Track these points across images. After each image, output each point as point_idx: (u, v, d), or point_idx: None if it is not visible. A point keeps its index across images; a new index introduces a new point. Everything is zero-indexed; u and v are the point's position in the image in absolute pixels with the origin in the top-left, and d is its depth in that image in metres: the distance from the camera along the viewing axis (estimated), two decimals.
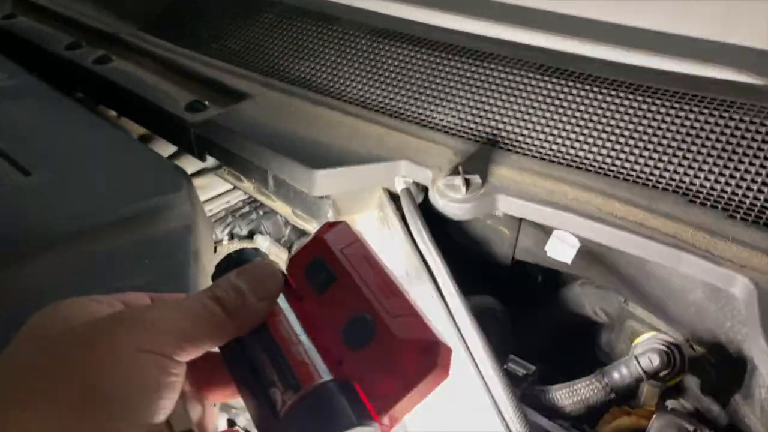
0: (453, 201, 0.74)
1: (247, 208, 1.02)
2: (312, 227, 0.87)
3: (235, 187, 1.00)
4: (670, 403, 0.74)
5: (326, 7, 1.05)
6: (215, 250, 0.94)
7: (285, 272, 0.42)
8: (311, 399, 0.35)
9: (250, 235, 0.98)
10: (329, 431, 0.34)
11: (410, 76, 0.91)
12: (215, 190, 1.03)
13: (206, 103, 0.93)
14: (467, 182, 0.74)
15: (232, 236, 0.98)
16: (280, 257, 0.97)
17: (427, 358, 0.35)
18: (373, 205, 0.83)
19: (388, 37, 0.97)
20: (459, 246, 0.92)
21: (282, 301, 0.39)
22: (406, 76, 0.91)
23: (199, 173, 1.05)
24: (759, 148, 0.72)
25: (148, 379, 0.32)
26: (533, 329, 1.04)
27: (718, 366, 0.68)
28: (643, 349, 0.64)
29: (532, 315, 1.03)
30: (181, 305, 0.36)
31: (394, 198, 0.82)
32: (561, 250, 0.83)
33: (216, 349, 0.39)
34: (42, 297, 0.65)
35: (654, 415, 0.63)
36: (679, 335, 0.74)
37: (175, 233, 0.76)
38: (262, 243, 0.96)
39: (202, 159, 0.93)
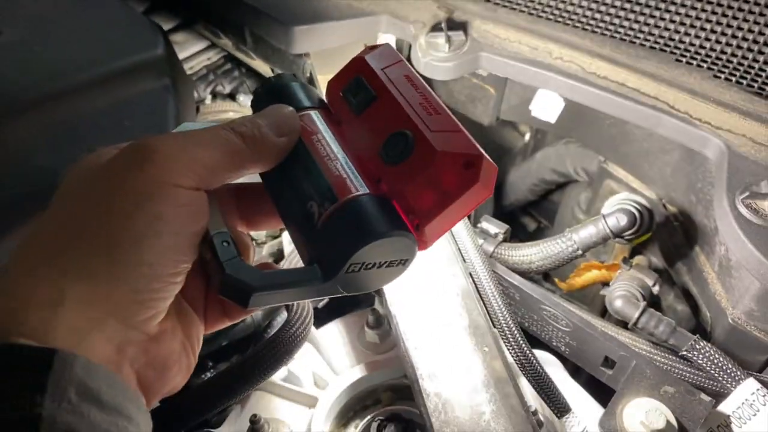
0: (435, 60, 0.72)
1: (228, 65, 0.99)
2: None
3: (213, 44, 0.97)
4: (636, 259, 0.78)
5: None
6: (197, 110, 0.93)
7: (323, 97, 0.41)
8: (347, 210, 0.35)
9: (232, 96, 0.97)
10: (364, 239, 0.34)
11: None
12: (195, 47, 0.99)
13: None
14: (449, 39, 0.72)
15: (214, 95, 0.97)
16: None
17: (468, 171, 0.34)
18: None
19: None
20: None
21: (320, 121, 0.39)
22: None
23: (176, 29, 1.01)
24: (750, 11, 0.69)
25: (170, 211, 0.32)
26: (515, 185, 1.06)
27: (685, 225, 0.71)
28: (613, 209, 0.66)
29: (516, 170, 1.05)
30: (199, 137, 0.35)
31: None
32: (545, 109, 0.82)
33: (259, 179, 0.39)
34: (22, 161, 0.66)
35: (618, 270, 0.67)
36: (654, 194, 0.76)
37: (155, 93, 0.75)
38: (245, 101, 0.95)
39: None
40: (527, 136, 1.05)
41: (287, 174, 0.38)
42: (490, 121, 0.90)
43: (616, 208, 0.66)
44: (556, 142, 0.95)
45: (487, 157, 0.34)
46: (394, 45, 0.77)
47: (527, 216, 1.15)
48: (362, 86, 0.39)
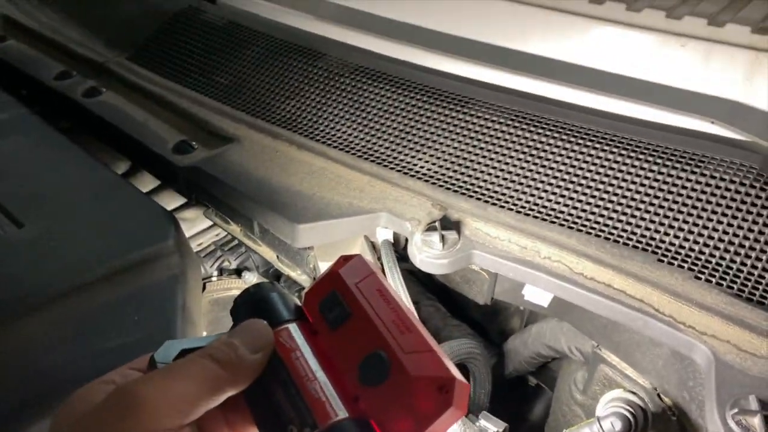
0: (430, 257, 0.76)
1: (236, 241, 1.04)
2: (295, 274, 0.90)
3: None
4: None
5: (313, 41, 1.06)
6: (204, 288, 0.97)
7: (301, 305, 0.43)
8: None
9: (238, 272, 1.01)
10: None
11: (392, 120, 0.93)
12: (205, 223, 1.05)
13: (194, 144, 0.95)
14: (443, 238, 0.76)
15: (221, 271, 1.01)
16: None
17: (442, 395, 0.35)
18: (355, 251, 0.86)
19: (371, 77, 0.98)
20: (441, 286, 0.95)
21: (298, 336, 0.40)
22: (388, 120, 0.93)
23: (187, 205, 1.08)
24: (727, 206, 0.75)
25: None
26: (514, 354, 1.07)
27: (681, 421, 0.72)
28: (607, 412, 0.67)
29: (514, 339, 1.06)
30: (177, 371, 0.37)
31: (375, 246, 0.85)
32: (537, 294, 0.86)
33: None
34: (34, 360, 0.69)
35: None
36: (648, 383, 0.77)
37: (163, 285, 0.79)
38: (249, 279, 0.99)
39: (190, 199, 0.95)
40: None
41: (267, 393, 0.39)
42: (485, 300, 0.93)
43: (610, 411, 0.67)
44: (550, 318, 0.97)
45: (459, 377, 0.36)
46: (391, 238, 0.82)
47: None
48: (337, 302, 0.41)
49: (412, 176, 0.86)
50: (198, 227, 1.05)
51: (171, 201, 1.07)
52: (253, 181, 0.86)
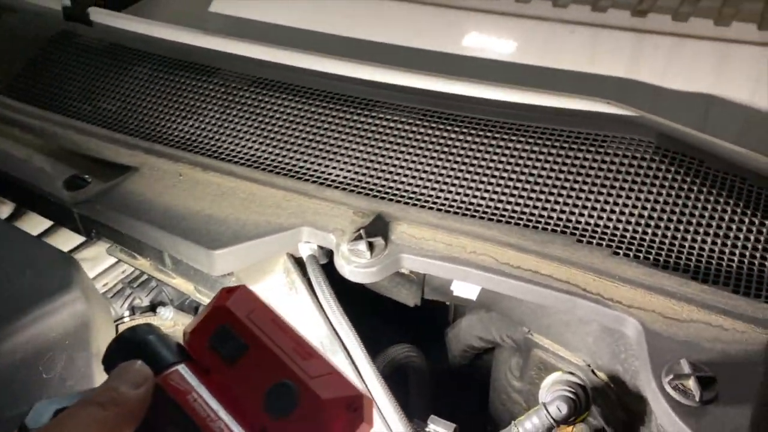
0: (359, 266, 0.74)
1: (145, 276, 0.98)
2: None
3: None
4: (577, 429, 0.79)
5: (203, 56, 1.02)
6: (116, 331, 0.90)
7: (184, 345, 0.40)
8: None
9: (153, 308, 0.94)
10: None
11: (300, 130, 0.90)
12: (108, 261, 0.98)
13: (86, 177, 0.88)
14: (371, 246, 0.75)
15: (133, 310, 0.94)
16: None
17: (353, 413, 0.35)
18: (278, 269, 0.82)
19: (272, 89, 0.95)
20: (370, 293, 0.93)
21: (190, 377, 0.38)
22: (296, 130, 0.90)
23: (85, 243, 0.99)
24: (633, 181, 0.78)
25: None
26: (445, 356, 1.08)
27: (618, 393, 0.74)
28: (551, 397, 0.68)
29: (443, 342, 1.07)
30: (62, 424, 0.35)
31: (299, 262, 0.82)
32: (466, 288, 0.86)
33: None
34: None
35: None
36: (581, 361, 0.80)
37: (73, 334, 0.72)
38: (165, 314, 0.92)
39: (90, 238, 0.88)
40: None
41: None
42: (414, 302, 0.92)
43: (554, 396, 0.68)
44: (478, 309, 0.98)
45: (365, 393, 0.37)
46: (316, 253, 0.80)
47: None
48: (230, 336, 0.39)
49: (329, 186, 0.84)
50: (101, 266, 0.97)
51: (66, 241, 0.98)
52: (158, 211, 0.81)
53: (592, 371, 0.78)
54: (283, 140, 0.90)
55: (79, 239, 0.98)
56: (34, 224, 1.01)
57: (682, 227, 0.75)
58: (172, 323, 0.93)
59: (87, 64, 1.06)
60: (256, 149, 0.89)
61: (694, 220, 0.75)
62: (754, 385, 0.59)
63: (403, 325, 1.12)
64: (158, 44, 1.06)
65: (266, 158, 0.88)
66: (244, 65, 0.99)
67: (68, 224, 0.90)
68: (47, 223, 1.01)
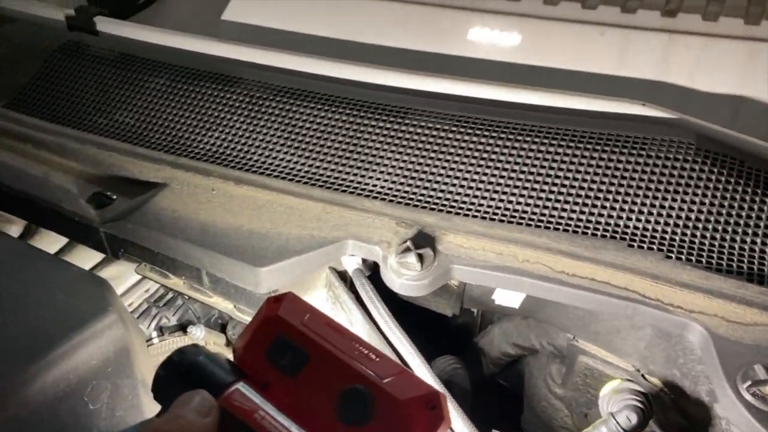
0: (410, 279, 0.72)
1: (170, 294, 0.94)
2: None
3: None
4: None
5: (222, 66, 0.98)
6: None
7: (236, 362, 0.38)
8: None
9: (181, 327, 0.91)
10: None
11: (332, 140, 0.88)
12: (131, 279, 0.94)
13: (110, 194, 0.84)
14: (420, 257, 0.73)
15: (161, 331, 0.90)
16: (218, 344, 0.91)
17: (433, 411, 0.34)
18: (320, 284, 0.80)
19: (298, 98, 0.92)
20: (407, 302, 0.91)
21: (253, 394, 0.36)
22: (327, 140, 0.88)
23: (104, 261, 0.95)
24: (677, 183, 0.78)
25: None
26: (477, 361, 1.06)
27: (675, 400, 0.73)
28: (619, 407, 0.67)
29: (474, 347, 1.05)
30: None
31: (342, 275, 0.79)
32: (508, 296, 0.85)
33: None
34: None
35: None
36: (631, 366, 0.79)
37: (112, 363, 0.69)
38: (196, 333, 0.89)
39: (117, 257, 0.84)
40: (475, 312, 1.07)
41: None
42: (453, 311, 0.90)
43: (621, 405, 0.67)
44: (513, 316, 0.97)
45: (441, 390, 0.36)
46: (361, 266, 0.78)
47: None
48: (289, 346, 0.37)
49: (367, 196, 0.82)
50: (123, 286, 0.93)
51: (85, 260, 0.94)
52: (194, 227, 0.78)
53: (642, 376, 0.78)
54: (315, 150, 0.87)
55: (97, 257, 0.94)
56: (44, 245, 0.96)
57: (730, 228, 0.74)
58: (203, 342, 0.89)
59: (98, 75, 1.02)
60: (288, 160, 0.87)
61: (741, 221, 0.75)
62: None
63: (430, 333, 1.11)
64: (172, 54, 1.02)
65: (300, 170, 0.85)
66: (266, 74, 0.96)
67: (91, 243, 0.86)
68: (59, 243, 0.97)
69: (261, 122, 0.91)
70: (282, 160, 0.87)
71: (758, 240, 0.73)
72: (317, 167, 0.85)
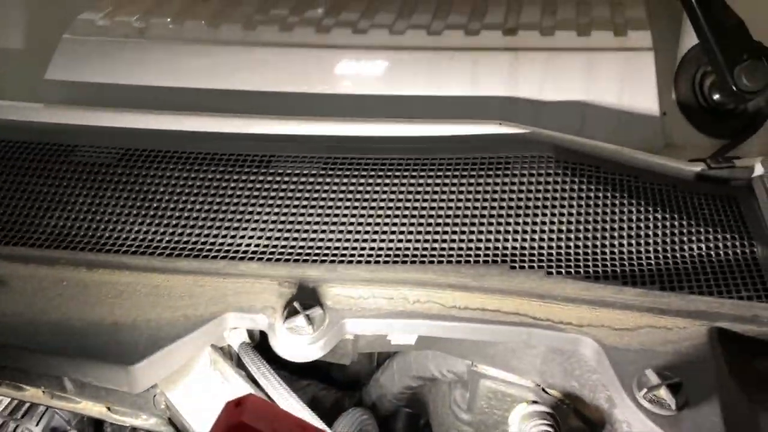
0: (303, 344, 0.68)
1: (28, 403, 0.82)
2: (140, 420, 0.73)
3: None
4: None
5: (52, 136, 0.87)
6: None
7: None
8: None
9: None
10: None
11: (192, 202, 0.81)
12: None
13: None
14: (309, 319, 0.68)
15: None
16: None
17: None
18: (202, 363, 0.73)
19: (147, 159, 0.84)
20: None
21: None
22: (187, 203, 0.81)
23: None
24: (544, 198, 0.80)
25: None
26: (380, 398, 1.04)
27: (575, 408, 0.75)
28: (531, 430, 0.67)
29: (374, 384, 1.03)
30: None
31: (224, 350, 0.73)
32: (404, 335, 0.83)
33: None
34: None
35: None
36: (531, 383, 0.80)
37: None
38: None
39: None
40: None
41: None
42: (351, 359, 0.87)
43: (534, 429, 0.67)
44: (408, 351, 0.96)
45: None
46: (246, 338, 0.72)
47: None
48: None
49: (242, 259, 0.76)
50: None
51: None
52: (46, 330, 0.67)
53: (543, 390, 0.79)
54: (175, 216, 0.80)
55: None
56: None
57: (599, 235, 0.78)
58: None
59: None
60: (145, 232, 0.78)
61: (607, 226, 0.79)
62: (713, 381, 0.62)
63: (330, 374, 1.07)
64: None
65: (160, 240, 0.78)
66: (105, 137, 0.86)
67: None
68: None
69: (108, 192, 0.82)
70: (138, 232, 0.78)
71: (625, 242, 0.77)
72: (180, 234, 0.78)
